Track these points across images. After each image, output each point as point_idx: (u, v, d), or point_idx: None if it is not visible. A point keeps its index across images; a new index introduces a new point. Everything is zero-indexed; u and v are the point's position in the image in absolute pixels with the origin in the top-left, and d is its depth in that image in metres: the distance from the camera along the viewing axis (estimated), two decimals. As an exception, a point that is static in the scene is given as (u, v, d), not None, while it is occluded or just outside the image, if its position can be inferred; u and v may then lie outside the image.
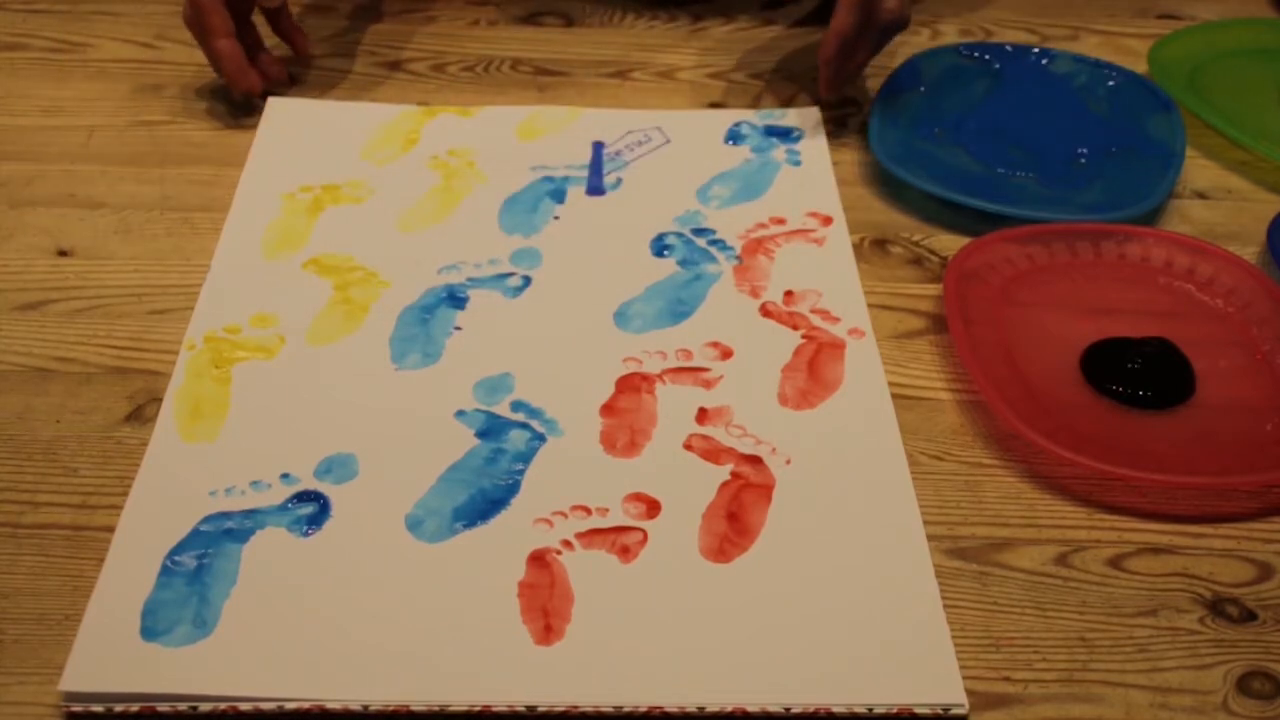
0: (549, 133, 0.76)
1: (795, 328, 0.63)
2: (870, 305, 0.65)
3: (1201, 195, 0.74)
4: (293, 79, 0.80)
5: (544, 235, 0.68)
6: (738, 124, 0.78)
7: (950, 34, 0.89)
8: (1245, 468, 0.56)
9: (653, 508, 0.54)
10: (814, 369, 0.61)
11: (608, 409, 0.59)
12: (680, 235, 0.69)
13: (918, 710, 0.47)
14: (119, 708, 0.46)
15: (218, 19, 0.74)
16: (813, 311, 0.64)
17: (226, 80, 0.76)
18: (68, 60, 0.82)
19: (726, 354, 0.62)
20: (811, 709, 0.47)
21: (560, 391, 0.59)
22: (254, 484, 0.54)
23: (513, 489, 0.55)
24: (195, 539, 0.52)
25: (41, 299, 0.64)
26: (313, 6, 0.88)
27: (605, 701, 0.47)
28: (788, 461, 0.56)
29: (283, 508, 0.53)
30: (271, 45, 0.80)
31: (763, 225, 0.70)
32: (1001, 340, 0.62)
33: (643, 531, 0.53)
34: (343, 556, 0.52)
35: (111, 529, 0.52)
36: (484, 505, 0.54)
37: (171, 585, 0.50)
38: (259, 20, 0.79)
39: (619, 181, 0.72)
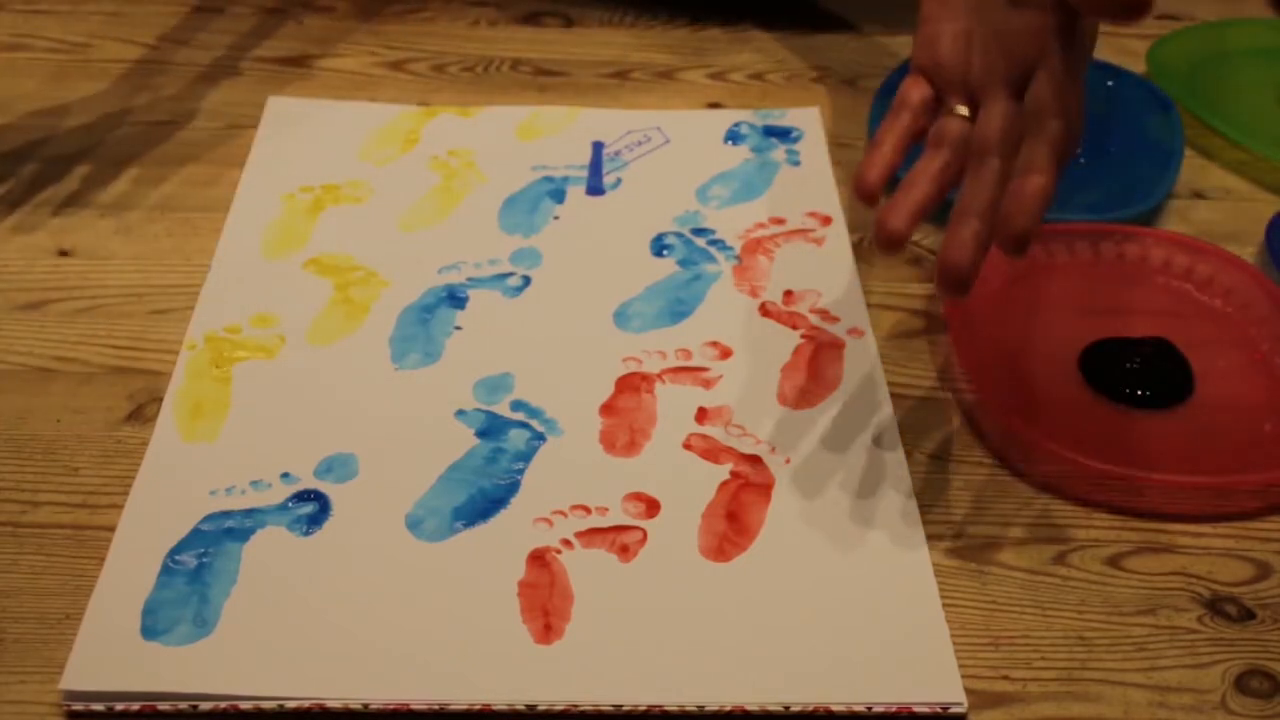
0: (549, 133, 0.76)
1: (794, 327, 0.63)
2: (870, 305, 0.65)
3: (1200, 195, 0.75)
4: (287, 74, 0.80)
5: (544, 235, 0.68)
6: (737, 124, 0.78)
7: (949, 34, 0.89)
8: (1244, 467, 0.56)
9: (652, 507, 0.54)
10: (813, 368, 0.61)
11: (607, 408, 0.59)
12: (680, 235, 0.69)
13: (917, 709, 0.47)
14: (119, 706, 0.47)
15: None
16: (812, 311, 0.64)
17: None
18: (68, 60, 0.82)
19: (726, 353, 0.62)
20: (811, 708, 0.47)
21: (560, 391, 0.59)
22: (254, 483, 0.54)
23: (512, 488, 0.55)
24: (196, 538, 0.52)
25: (42, 299, 0.64)
26: (313, 7, 0.88)
27: (605, 700, 0.47)
28: (787, 461, 0.56)
29: (283, 507, 0.54)
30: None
31: (762, 225, 0.70)
32: (1001, 340, 0.62)
33: (642, 531, 0.53)
34: (343, 556, 0.52)
35: (112, 528, 0.52)
36: (484, 504, 0.54)
37: (172, 584, 0.50)
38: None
39: (619, 181, 0.73)
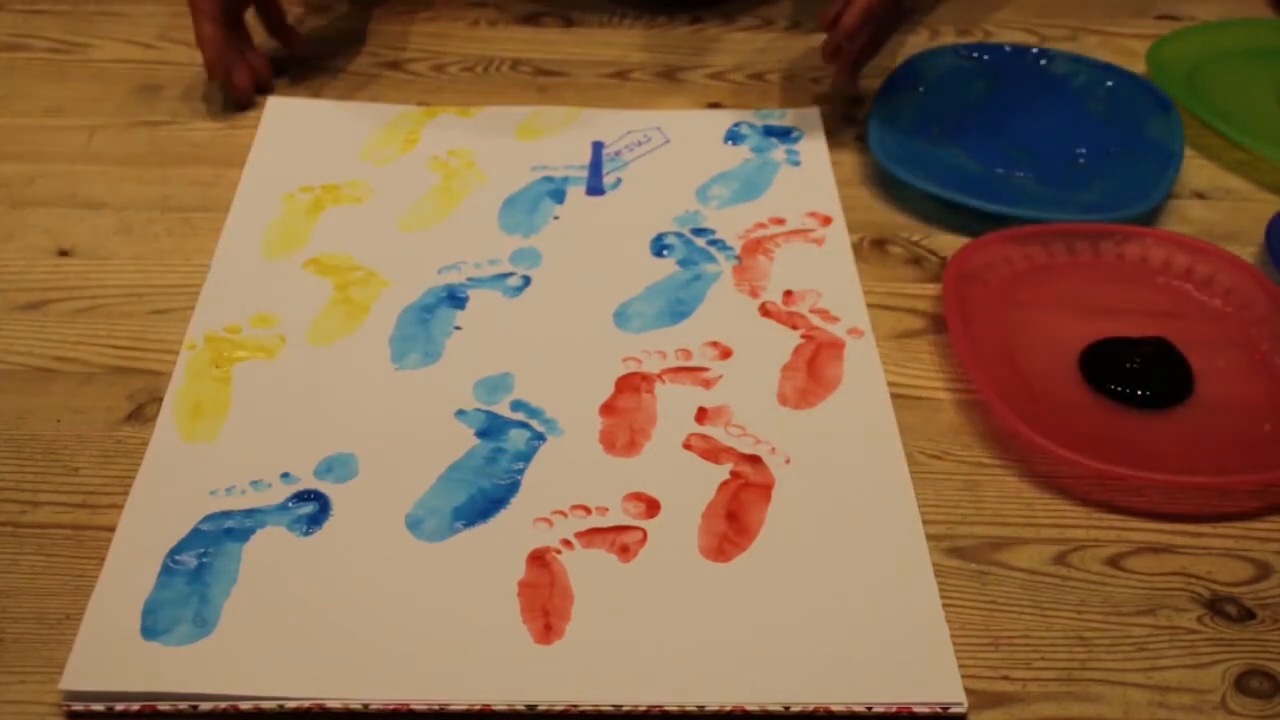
0: (549, 133, 0.76)
1: (794, 327, 0.63)
2: (869, 305, 0.65)
3: (1200, 195, 0.75)
4: (286, 74, 0.80)
5: (544, 235, 0.68)
6: (737, 124, 0.78)
7: (949, 34, 0.89)
8: (1243, 467, 0.56)
9: (652, 507, 0.54)
10: (813, 368, 0.61)
11: (607, 408, 0.59)
12: (680, 235, 0.69)
13: (917, 709, 0.47)
14: (119, 707, 0.47)
15: (206, 2, 0.75)
16: (812, 311, 0.64)
17: (206, 70, 0.77)
18: (69, 60, 0.82)
19: (726, 354, 0.62)
20: (811, 708, 0.47)
21: (560, 391, 0.59)
22: (254, 483, 0.54)
23: (512, 488, 0.55)
24: (196, 538, 0.52)
25: (42, 299, 0.64)
26: (313, 6, 0.88)
27: (605, 700, 0.47)
28: (787, 461, 0.56)
29: (283, 507, 0.54)
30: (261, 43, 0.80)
31: (762, 225, 0.70)
32: (1001, 340, 0.62)
33: (642, 531, 0.53)
34: (343, 556, 0.52)
35: (112, 528, 0.52)
36: (484, 504, 0.54)
37: (172, 584, 0.50)
38: (253, 22, 0.79)
39: (619, 182, 0.73)
